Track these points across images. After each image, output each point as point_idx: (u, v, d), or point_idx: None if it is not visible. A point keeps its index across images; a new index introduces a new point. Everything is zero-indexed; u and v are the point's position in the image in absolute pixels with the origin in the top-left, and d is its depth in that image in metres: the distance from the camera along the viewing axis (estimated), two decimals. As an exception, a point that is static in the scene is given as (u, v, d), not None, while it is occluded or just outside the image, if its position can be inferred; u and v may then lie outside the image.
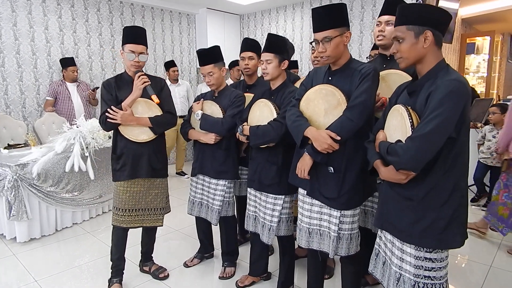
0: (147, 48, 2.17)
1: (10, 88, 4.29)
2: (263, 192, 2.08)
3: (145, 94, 2.14)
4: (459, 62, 6.51)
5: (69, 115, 4.28)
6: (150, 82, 2.14)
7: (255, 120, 2.06)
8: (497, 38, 6.93)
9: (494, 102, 4.41)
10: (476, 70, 6.84)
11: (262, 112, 2.03)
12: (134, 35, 2.10)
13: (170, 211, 2.42)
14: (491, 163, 3.71)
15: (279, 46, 2.00)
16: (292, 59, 4.52)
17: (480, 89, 6.71)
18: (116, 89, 2.13)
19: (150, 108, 2.17)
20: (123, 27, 2.18)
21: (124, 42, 2.10)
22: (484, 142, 3.79)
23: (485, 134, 3.78)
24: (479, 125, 4.09)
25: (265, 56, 1.99)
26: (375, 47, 2.82)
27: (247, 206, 2.22)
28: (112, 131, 2.18)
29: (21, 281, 2.43)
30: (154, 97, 2.14)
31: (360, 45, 4.97)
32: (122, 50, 2.13)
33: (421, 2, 4.28)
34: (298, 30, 5.66)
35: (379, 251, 1.56)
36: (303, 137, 1.71)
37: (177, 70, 5.14)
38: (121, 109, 2.05)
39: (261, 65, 2.03)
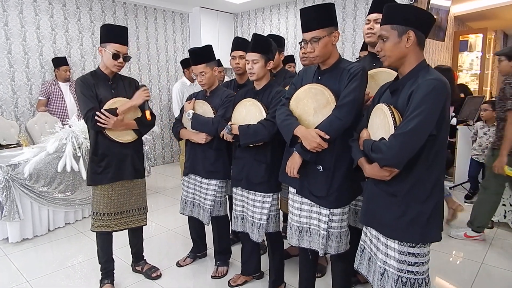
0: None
1: (2, 88, 4.26)
2: (251, 191, 2.08)
3: (141, 106, 2.14)
4: (452, 59, 6.54)
5: (62, 115, 4.26)
6: (149, 97, 2.15)
7: (241, 119, 2.06)
8: (490, 35, 6.96)
9: (486, 99, 4.44)
10: (469, 68, 6.88)
11: (249, 112, 2.03)
12: (120, 35, 2.05)
13: (148, 210, 2.40)
14: (482, 159, 3.73)
15: (264, 46, 2.00)
16: (287, 54, 4.53)
17: (473, 86, 6.75)
18: (95, 86, 2.06)
19: (130, 109, 2.14)
20: (102, 25, 2.11)
21: (107, 41, 2.02)
22: (476, 139, 3.82)
23: (477, 131, 3.80)
24: (470, 122, 4.12)
25: (251, 56, 1.99)
26: (363, 48, 2.83)
27: (234, 206, 2.22)
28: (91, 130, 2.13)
29: (13, 282, 2.42)
30: (147, 112, 2.13)
31: (353, 44, 4.98)
32: (102, 48, 2.04)
33: (413, 0, 4.30)
34: (292, 29, 5.67)
35: (364, 247, 1.60)
36: (293, 136, 1.72)
37: None
38: (113, 113, 2.00)
39: (247, 65, 2.03)
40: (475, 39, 6.70)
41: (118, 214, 2.21)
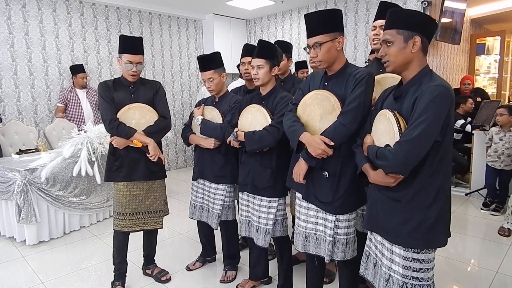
0: (143, 55, 2.23)
1: (22, 95, 4.43)
2: (257, 196, 2.09)
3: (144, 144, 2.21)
4: (469, 63, 6.41)
5: (79, 121, 4.38)
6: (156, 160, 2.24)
7: (247, 125, 2.08)
8: (508, 38, 6.78)
9: (504, 104, 4.33)
10: (487, 71, 6.72)
11: (255, 117, 2.05)
12: (132, 45, 2.16)
13: (168, 213, 2.45)
14: (499, 166, 3.63)
15: (269, 51, 2.03)
16: (300, 60, 4.54)
17: (491, 90, 6.59)
18: (113, 90, 2.20)
19: (146, 113, 2.23)
20: (120, 35, 2.25)
21: (122, 51, 2.16)
22: (491, 145, 3.71)
23: (492, 137, 3.69)
24: (486, 127, 4.02)
25: (257, 61, 2.02)
26: (372, 51, 2.83)
27: (240, 211, 2.24)
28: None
29: (29, 282, 2.50)
30: (139, 144, 2.19)
31: (365, 48, 4.96)
32: (119, 58, 2.19)
33: (427, 3, 4.25)
34: (304, 34, 5.66)
35: (369, 253, 1.59)
36: (299, 142, 1.73)
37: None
38: (129, 132, 2.15)
39: (252, 71, 2.06)
40: (493, 42, 6.56)
41: (134, 214, 2.29)
